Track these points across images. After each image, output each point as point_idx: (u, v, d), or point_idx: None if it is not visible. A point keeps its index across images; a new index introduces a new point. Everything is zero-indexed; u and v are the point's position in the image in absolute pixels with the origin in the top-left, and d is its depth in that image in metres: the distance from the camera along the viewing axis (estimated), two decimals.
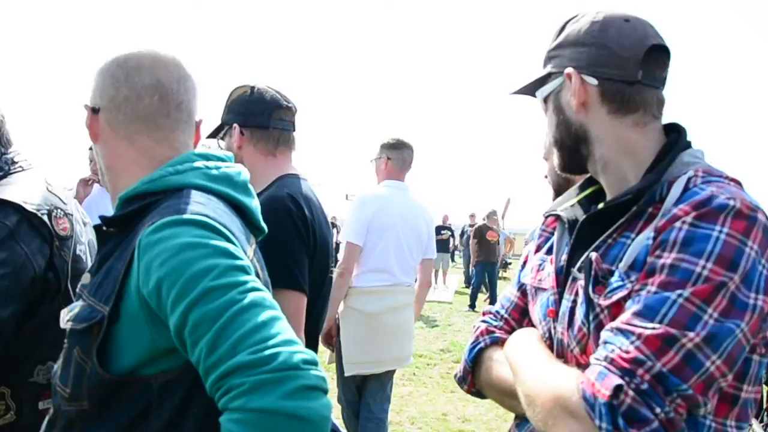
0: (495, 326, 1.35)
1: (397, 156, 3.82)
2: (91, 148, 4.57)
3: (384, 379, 3.82)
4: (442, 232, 15.91)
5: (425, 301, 4.38)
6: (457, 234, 18.84)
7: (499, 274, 15.42)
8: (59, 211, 1.77)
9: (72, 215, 1.83)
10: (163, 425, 1.08)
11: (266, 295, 1.03)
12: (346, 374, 3.60)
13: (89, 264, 1.83)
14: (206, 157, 1.27)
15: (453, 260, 20.48)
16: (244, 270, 1.04)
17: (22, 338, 1.61)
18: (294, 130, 2.14)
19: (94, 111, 1.26)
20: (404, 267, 3.77)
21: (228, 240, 1.08)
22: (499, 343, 1.31)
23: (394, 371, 3.95)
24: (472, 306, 12.74)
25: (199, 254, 1.01)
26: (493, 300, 12.97)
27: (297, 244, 1.91)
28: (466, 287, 14.13)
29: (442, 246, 15.48)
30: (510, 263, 18.51)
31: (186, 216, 1.07)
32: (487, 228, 13.51)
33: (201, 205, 1.12)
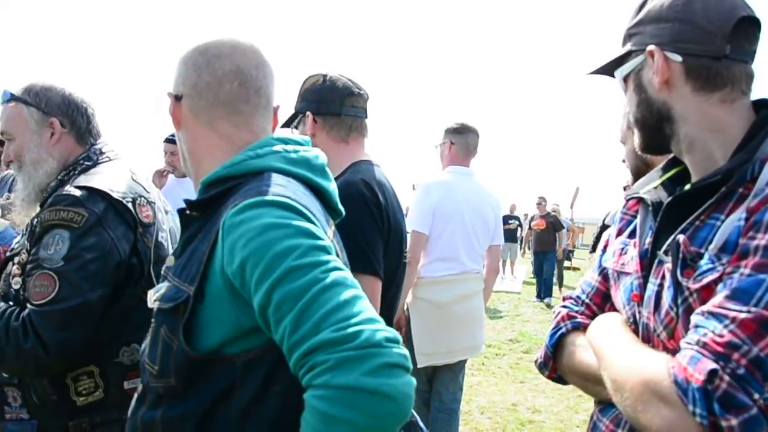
0: (576, 311, 1.33)
1: (460, 141, 3.75)
2: (166, 140, 4.72)
3: (456, 369, 3.78)
4: (510, 221, 15.68)
5: (493, 291, 4.30)
6: (525, 224, 18.55)
7: (564, 264, 14.89)
8: (143, 199, 1.84)
9: (154, 203, 1.90)
10: (246, 402, 1.10)
11: (347, 274, 1.04)
12: (419, 366, 3.54)
13: (170, 250, 1.90)
14: (285, 141, 1.29)
15: (522, 252, 20.01)
16: (325, 250, 1.05)
17: (108, 321, 1.68)
18: (366, 117, 2.16)
19: (177, 98, 1.30)
20: (472, 254, 3.70)
21: (309, 220, 1.09)
22: (581, 328, 1.29)
23: (465, 360, 3.90)
24: (539, 296, 12.42)
25: (281, 234, 1.03)
26: (544, 292, 12.30)
27: (371, 229, 1.92)
28: (534, 277, 13.78)
29: (510, 235, 15.22)
30: (572, 251, 17.49)
31: (268, 197, 1.09)
32: (538, 216, 13.08)
33: (282, 187, 1.14)
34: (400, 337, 0.97)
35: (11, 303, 1.68)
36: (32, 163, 1.83)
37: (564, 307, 1.37)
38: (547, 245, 12.84)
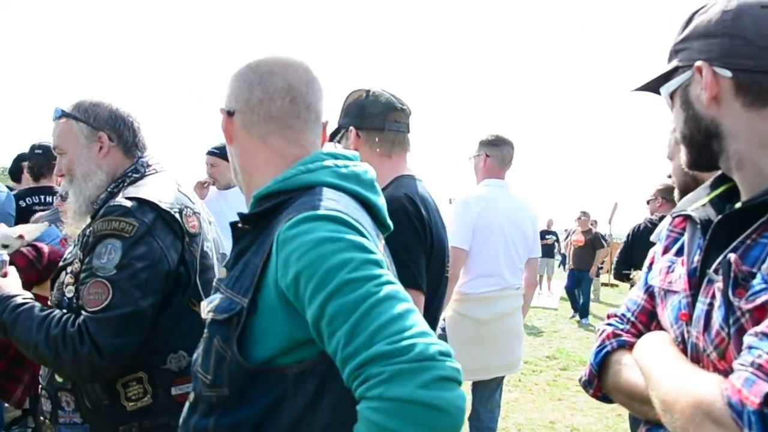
0: (621, 329, 1.31)
1: (496, 153, 3.71)
2: (208, 153, 4.79)
3: (493, 385, 3.74)
4: (547, 236, 15.47)
5: (530, 307, 4.26)
6: (563, 240, 18.29)
7: (601, 281, 14.42)
8: (189, 209, 1.88)
9: (199, 214, 1.95)
10: (297, 413, 1.12)
11: (400, 288, 1.05)
12: None
13: (214, 260, 1.94)
14: (335, 156, 1.31)
15: (564, 267, 19.56)
16: (378, 264, 1.07)
17: (156, 328, 1.72)
18: (408, 132, 2.19)
19: (230, 114, 1.33)
20: (512, 269, 3.67)
21: (361, 234, 1.11)
22: (626, 346, 1.27)
23: (503, 377, 3.87)
24: (575, 311, 11.96)
25: (335, 248, 1.05)
26: (581, 314, 11.78)
27: (414, 244, 1.93)
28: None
29: (547, 251, 14.99)
30: (601, 267, 16.51)
31: (321, 212, 1.11)
32: (578, 232, 12.59)
33: (334, 202, 1.16)
34: (452, 351, 0.98)
35: (65, 311, 1.73)
36: (83, 176, 1.90)
37: (609, 324, 1.36)
38: (585, 264, 12.29)
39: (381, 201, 1.36)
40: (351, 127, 2.13)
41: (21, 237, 2.92)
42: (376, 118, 2.11)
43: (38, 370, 2.64)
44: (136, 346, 1.66)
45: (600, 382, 1.32)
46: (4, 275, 1.87)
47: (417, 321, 0.99)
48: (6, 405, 4.57)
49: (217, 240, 2.05)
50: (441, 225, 2.11)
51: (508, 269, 3.64)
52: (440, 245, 2.06)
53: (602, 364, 1.30)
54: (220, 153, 4.54)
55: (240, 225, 1.29)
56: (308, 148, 1.32)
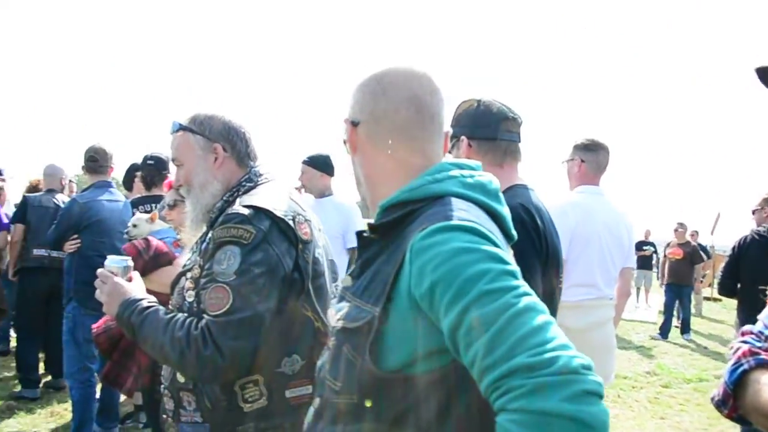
0: (759, 347, 1.25)
1: (591, 159, 3.58)
2: (304, 162, 4.95)
3: None
4: (645, 247, 14.84)
5: (627, 320, 4.05)
6: (660, 250, 17.49)
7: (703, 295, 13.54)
8: (301, 217, 1.93)
9: (310, 221, 1.99)
10: (427, 423, 1.11)
11: (537, 299, 1.03)
12: None
13: (325, 266, 1.98)
14: (460, 166, 1.30)
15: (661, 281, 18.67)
16: (514, 275, 1.05)
17: (272, 332, 1.77)
18: (520, 141, 2.16)
19: (354, 124, 1.35)
20: (607, 279, 3.53)
21: (496, 245, 1.09)
22: (765, 365, 1.20)
23: None
24: (663, 334, 10.82)
25: (472, 258, 1.04)
26: (684, 329, 11.08)
27: (530, 254, 1.90)
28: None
29: (644, 262, 14.38)
30: (702, 281, 14.63)
31: (455, 222, 1.10)
32: (675, 244, 11.73)
33: (465, 212, 1.15)
34: (593, 365, 0.95)
35: (186, 314, 1.81)
36: (200, 186, 1.98)
37: (744, 342, 1.29)
38: (683, 278, 11.40)
39: (506, 211, 1.33)
40: (462, 137, 2.12)
41: (152, 219, 3.25)
42: (488, 128, 2.10)
43: (145, 361, 2.79)
44: (255, 349, 1.71)
45: (736, 402, 1.25)
46: (129, 280, 1.97)
47: (557, 333, 0.96)
48: (120, 401, 4.85)
49: (326, 247, 2.09)
50: (555, 235, 2.07)
51: (603, 280, 3.51)
52: (555, 255, 2.02)
53: (738, 383, 1.24)
54: (310, 162, 4.87)
55: (366, 234, 1.30)
56: (432, 159, 1.31)
